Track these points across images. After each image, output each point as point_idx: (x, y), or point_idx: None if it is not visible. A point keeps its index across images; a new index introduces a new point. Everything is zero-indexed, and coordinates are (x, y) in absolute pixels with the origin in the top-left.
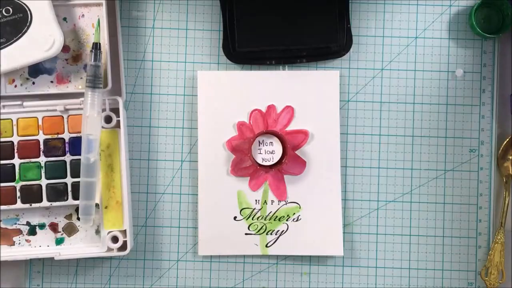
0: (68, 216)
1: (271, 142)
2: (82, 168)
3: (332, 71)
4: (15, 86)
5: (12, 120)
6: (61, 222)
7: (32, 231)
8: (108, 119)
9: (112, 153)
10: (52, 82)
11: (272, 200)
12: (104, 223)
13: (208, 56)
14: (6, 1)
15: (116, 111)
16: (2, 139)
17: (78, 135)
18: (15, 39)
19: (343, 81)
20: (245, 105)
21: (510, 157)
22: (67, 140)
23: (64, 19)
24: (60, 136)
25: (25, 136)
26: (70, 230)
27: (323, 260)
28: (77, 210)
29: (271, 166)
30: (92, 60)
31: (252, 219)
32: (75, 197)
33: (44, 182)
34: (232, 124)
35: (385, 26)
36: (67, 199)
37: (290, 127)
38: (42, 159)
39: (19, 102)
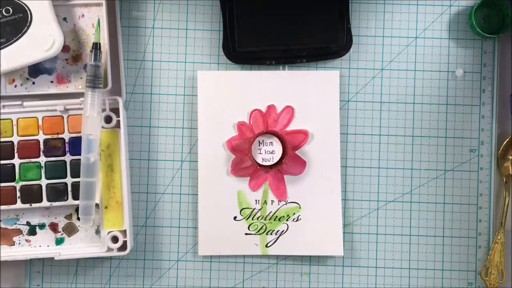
0: (68, 216)
1: (271, 142)
2: (82, 168)
3: (332, 71)
4: (15, 86)
5: (12, 120)
6: (61, 222)
7: (32, 231)
8: (108, 119)
9: (112, 153)
10: (52, 82)
11: (272, 200)
12: (104, 223)
13: (208, 56)
14: (6, 1)
15: (116, 111)
16: (2, 139)
17: (78, 135)
18: (15, 39)
19: (343, 81)
20: (245, 105)
21: (510, 157)
22: (67, 140)
23: (64, 19)
24: (60, 136)
25: (25, 136)
26: (70, 230)
27: (323, 260)
28: (77, 210)
29: (271, 166)
30: (92, 60)
31: (252, 219)
32: (75, 197)
33: (44, 182)
34: (232, 124)
35: (385, 26)
36: (67, 199)
37: (290, 127)
38: (42, 159)
39: (19, 102)
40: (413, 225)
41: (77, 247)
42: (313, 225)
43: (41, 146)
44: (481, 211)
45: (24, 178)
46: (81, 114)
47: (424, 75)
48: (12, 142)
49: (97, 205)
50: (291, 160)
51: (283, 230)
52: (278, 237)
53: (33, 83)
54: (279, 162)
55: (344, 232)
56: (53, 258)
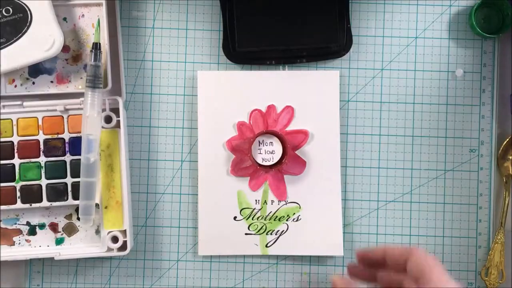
0: (68, 216)
1: (271, 142)
2: (82, 168)
3: (332, 71)
4: (15, 86)
5: (12, 120)
6: (61, 222)
7: (32, 231)
8: (108, 119)
9: (112, 153)
10: (52, 82)
11: (272, 200)
12: (104, 223)
13: (208, 56)
14: (6, 1)
15: (116, 111)
16: (2, 139)
17: (78, 135)
18: (15, 39)
19: (343, 81)
20: (245, 105)
21: (510, 157)
22: (67, 140)
23: (64, 19)
24: (60, 136)
25: (25, 136)
26: (70, 230)
27: (323, 260)
28: (77, 210)
29: (271, 166)
30: (92, 60)
31: (252, 219)
32: (75, 197)
33: (44, 182)
34: (232, 124)
35: (385, 26)
36: (67, 199)
37: (290, 127)
38: (42, 159)
39: (19, 102)
40: (413, 225)
41: (77, 247)
42: (313, 225)
43: (41, 146)
44: (481, 211)
45: (24, 178)
46: (81, 114)
47: (424, 75)
48: (12, 142)
49: (97, 205)
50: (291, 160)
51: (283, 230)
52: (278, 237)
53: (33, 83)
54: (279, 162)
55: (344, 232)
56: (53, 258)
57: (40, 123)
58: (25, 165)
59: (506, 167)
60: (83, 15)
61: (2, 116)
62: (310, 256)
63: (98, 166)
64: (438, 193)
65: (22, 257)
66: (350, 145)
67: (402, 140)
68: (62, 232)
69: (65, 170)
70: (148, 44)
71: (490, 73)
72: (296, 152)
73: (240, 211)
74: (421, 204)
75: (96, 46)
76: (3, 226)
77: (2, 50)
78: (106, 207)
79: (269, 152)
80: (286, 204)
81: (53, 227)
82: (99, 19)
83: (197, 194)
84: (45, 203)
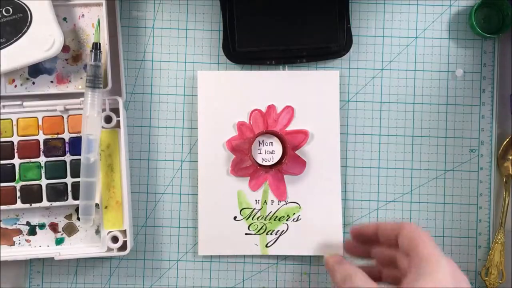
0: (68, 216)
1: (271, 142)
2: (82, 168)
3: (332, 71)
4: (15, 86)
5: (12, 120)
6: (61, 222)
7: (32, 231)
8: (108, 119)
9: (112, 153)
10: (52, 82)
11: (272, 200)
12: (104, 223)
13: (208, 56)
14: (6, 1)
15: (116, 111)
16: (2, 139)
17: (78, 135)
18: (15, 39)
19: (343, 81)
20: (245, 105)
21: (510, 157)
22: (67, 140)
23: (64, 19)
24: (60, 136)
25: (25, 136)
26: (70, 230)
27: (323, 260)
28: (77, 210)
29: (271, 166)
30: (92, 60)
31: (252, 219)
32: (75, 197)
33: (44, 182)
34: (232, 124)
35: (385, 26)
36: (67, 199)
37: (290, 127)
38: (42, 159)
39: (19, 102)
40: None
41: (77, 247)
42: (313, 225)
43: (41, 146)
44: (481, 211)
45: (24, 178)
46: (81, 114)
47: (424, 75)
48: (12, 142)
49: (97, 205)
50: (291, 160)
51: (283, 230)
52: (278, 237)
53: (33, 83)
54: (279, 162)
55: (344, 232)
56: (53, 258)
57: (40, 123)
58: (25, 165)
59: (506, 167)
60: (83, 15)
61: (2, 116)
62: (310, 256)
63: (98, 166)
64: (438, 193)
65: (22, 257)
66: (350, 145)
67: (402, 140)
68: (62, 232)
69: (65, 170)
70: (148, 44)
71: (490, 73)
72: (296, 152)
73: (240, 211)
74: (421, 204)
75: (96, 46)
76: (3, 226)
77: (2, 50)
78: (106, 207)
79: (269, 152)
80: (286, 204)
81: (53, 227)
82: (99, 19)
83: (197, 194)
84: (45, 203)
